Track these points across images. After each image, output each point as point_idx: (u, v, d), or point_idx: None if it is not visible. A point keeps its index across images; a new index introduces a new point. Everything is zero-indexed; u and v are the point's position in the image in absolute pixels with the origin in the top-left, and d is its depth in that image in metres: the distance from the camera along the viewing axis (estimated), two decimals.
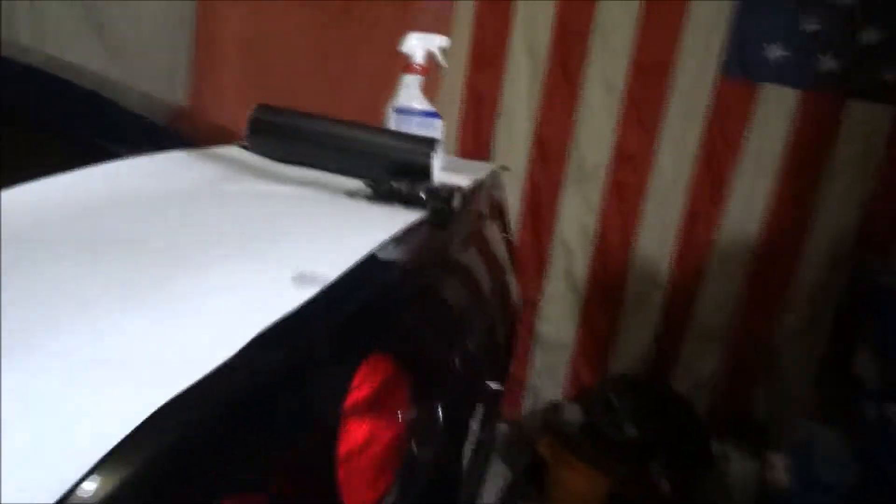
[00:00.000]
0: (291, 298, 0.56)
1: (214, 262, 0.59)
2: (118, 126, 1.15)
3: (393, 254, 0.74)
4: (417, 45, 1.27)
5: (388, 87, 1.29)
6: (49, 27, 2.07)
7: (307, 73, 2.10)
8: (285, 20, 2.09)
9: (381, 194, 0.94)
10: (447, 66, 1.30)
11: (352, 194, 0.94)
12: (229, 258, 0.61)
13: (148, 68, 2.09)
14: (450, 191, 0.95)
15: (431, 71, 1.35)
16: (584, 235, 2.30)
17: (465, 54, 2.15)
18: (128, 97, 1.32)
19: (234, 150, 1.08)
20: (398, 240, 0.77)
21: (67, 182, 0.73)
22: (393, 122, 1.27)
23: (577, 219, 2.29)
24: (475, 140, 2.22)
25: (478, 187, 1.22)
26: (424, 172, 1.01)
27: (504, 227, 1.48)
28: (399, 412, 0.70)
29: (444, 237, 0.92)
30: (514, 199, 2.22)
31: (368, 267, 0.67)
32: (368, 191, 0.94)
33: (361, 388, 0.61)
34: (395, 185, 0.94)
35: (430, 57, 1.29)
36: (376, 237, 0.73)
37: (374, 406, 0.65)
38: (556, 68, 2.15)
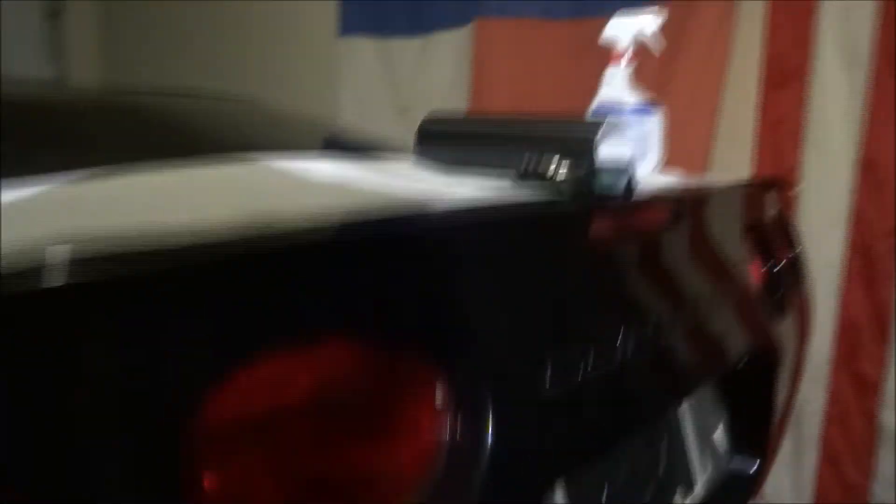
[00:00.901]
0: None
1: None
2: None
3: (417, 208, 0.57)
4: (621, 30, 1.06)
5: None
6: (371, 113, 2.39)
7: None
8: (552, 49, 2.02)
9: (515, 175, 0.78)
10: (659, 50, 1.05)
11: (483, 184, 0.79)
12: None
13: None
14: (593, 168, 0.73)
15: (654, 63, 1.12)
16: None
17: (755, 68, 1.77)
18: None
19: (397, 161, 1.02)
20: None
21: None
22: None
23: None
24: (776, 167, 1.79)
25: (690, 194, 0.95)
26: (586, 153, 0.81)
27: (769, 264, 1.13)
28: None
29: (569, 218, 0.71)
30: (833, 242, 1.72)
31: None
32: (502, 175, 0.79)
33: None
34: (526, 163, 0.77)
35: (640, 43, 1.07)
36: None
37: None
38: (887, 70, 1.64)
